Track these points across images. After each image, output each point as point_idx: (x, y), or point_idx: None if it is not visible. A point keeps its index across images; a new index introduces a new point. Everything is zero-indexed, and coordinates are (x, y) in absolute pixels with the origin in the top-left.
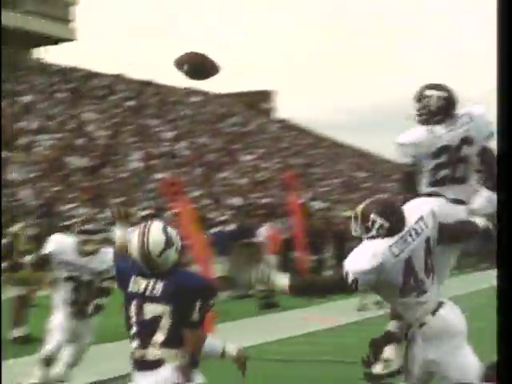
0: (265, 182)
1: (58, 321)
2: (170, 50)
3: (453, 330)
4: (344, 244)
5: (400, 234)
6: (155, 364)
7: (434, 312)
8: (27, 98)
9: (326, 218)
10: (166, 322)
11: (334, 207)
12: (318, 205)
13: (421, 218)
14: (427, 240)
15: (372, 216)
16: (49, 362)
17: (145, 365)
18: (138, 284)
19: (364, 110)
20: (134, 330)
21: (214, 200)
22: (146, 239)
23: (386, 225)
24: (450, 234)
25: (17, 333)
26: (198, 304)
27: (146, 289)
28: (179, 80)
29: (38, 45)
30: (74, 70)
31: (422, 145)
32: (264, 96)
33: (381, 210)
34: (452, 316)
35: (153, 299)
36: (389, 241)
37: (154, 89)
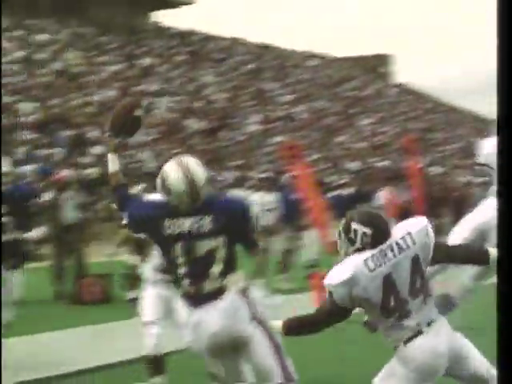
0: (383, 146)
1: (151, 298)
2: (287, 14)
3: (413, 366)
4: (462, 209)
5: (379, 248)
6: (215, 295)
7: (407, 340)
8: (146, 61)
9: (444, 183)
10: (221, 253)
11: (452, 172)
12: (436, 170)
13: (408, 234)
14: (415, 258)
15: (354, 225)
16: (157, 360)
17: (204, 298)
18: (180, 225)
19: (481, 75)
20: (184, 270)
21: (332, 164)
22: (190, 173)
23: (369, 232)
24: (452, 256)
25: (132, 295)
26: (250, 223)
27: (191, 227)
28: (297, 44)
29: (157, 8)
30: (192, 33)
31: (493, 144)
32: (382, 60)
33: (362, 218)
34: (422, 351)
35: (203, 235)
36: (367, 253)
37: (272, 52)
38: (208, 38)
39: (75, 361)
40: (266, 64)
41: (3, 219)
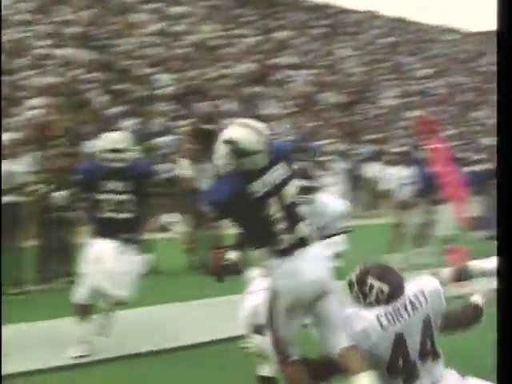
0: None
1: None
2: None
3: None
4: None
5: (393, 305)
6: (305, 241)
7: None
8: (282, 35)
9: None
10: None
11: None
12: None
13: (421, 292)
14: (426, 320)
15: (370, 279)
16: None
17: (296, 245)
18: (264, 183)
19: None
20: (282, 223)
21: (468, 139)
22: (259, 132)
23: (386, 289)
24: (454, 322)
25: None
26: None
27: (273, 180)
28: (433, 18)
29: None
30: (327, 6)
31: None
32: None
33: (379, 273)
34: None
35: (285, 182)
36: (380, 309)
37: (408, 26)
38: (343, 12)
39: (209, 330)
40: (403, 38)
41: (124, 196)
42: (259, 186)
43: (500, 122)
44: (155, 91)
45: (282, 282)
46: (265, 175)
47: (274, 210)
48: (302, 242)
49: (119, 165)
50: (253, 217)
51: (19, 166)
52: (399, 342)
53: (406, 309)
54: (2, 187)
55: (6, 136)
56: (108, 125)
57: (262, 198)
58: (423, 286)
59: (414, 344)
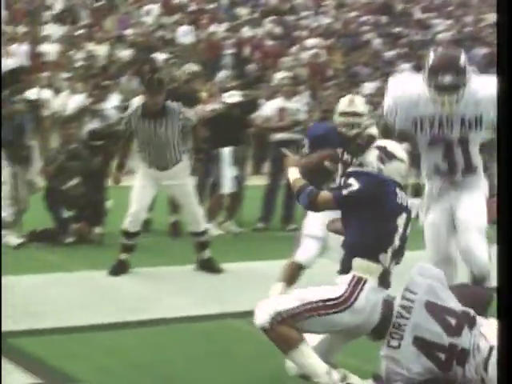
0: None
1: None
2: None
3: None
4: None
5: (391, 322)
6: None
7: None
8: None
9: None
10: None
11: None
12: None
13: (406, 290)
14: (428, 304)
15: None
16: None
17: (388, 279)
18: (404, 198)
19: None
20: (396, 245)
21: None
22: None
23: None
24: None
25: None
26: None
27: (409, 206)
28: None
29: None
30: None
31: None
32: None
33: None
34: None
35: (410, 215)
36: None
37: None
38: None
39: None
40: None
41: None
42: (402, 196)
43: (499, 125)
44: (432, 36)
45: (362, 302)
46: (406, 194)
47: (400, 224)
48: (388, 279)
49: (354, 131)
50: (384, 216)
51: (295, 104)
52: (420, 345)
53: (401, 316)
54: (280, 124)
55: (280, 74)
56: (384, 68)
57: (400, 206)
58: (406, 284)
59: (432, 332)
